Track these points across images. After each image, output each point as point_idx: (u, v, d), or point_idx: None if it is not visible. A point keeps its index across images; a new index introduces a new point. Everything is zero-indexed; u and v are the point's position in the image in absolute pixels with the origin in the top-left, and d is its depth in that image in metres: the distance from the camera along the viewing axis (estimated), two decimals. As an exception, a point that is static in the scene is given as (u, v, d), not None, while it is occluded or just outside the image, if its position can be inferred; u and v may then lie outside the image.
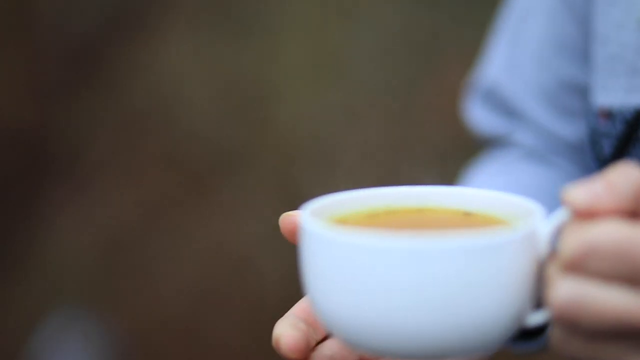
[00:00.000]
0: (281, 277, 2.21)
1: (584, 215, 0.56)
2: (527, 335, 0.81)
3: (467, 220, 0.65)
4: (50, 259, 2.28)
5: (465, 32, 2.15)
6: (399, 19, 2.24)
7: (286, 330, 0.63)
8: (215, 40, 2.28)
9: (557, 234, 0.58)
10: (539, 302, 0.59)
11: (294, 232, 0.65)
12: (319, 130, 2.23)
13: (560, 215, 0.58)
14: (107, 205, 2.27)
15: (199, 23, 2.30)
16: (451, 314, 0.56)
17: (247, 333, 2.21)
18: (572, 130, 0.94)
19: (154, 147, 2.27)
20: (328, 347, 0.64)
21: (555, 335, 0.57)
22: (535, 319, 0.59)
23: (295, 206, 2.29)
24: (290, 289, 2.21)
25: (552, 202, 0.87)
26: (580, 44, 0.91)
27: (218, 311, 2.23)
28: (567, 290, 0.55)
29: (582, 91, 0.91)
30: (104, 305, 2.28)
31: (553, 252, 0.57)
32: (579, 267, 0.55)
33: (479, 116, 1.00)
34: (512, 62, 0.96)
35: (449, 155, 2.17)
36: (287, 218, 0.65)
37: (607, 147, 0.82)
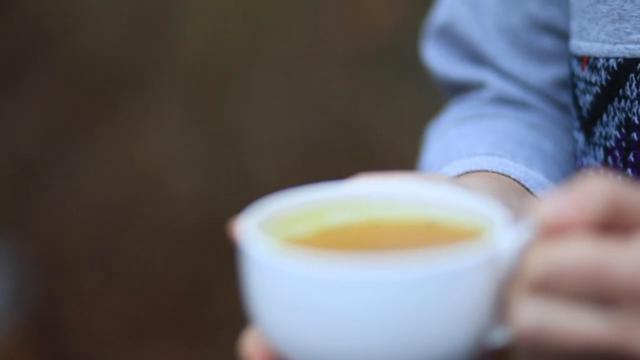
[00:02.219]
0: (192, 194, 2.19)
1: (552, 231, 0.53)
2: None
3: (430, 233, 0.61)
4: (-47, 183, 2.23)
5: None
6: None
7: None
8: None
9: (522, 251, 0.54)
10: (501, 319, 0.56)
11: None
12: (227, 42, 2.20)
13: (526, 230, 0.55)
14: (10, 128, 2.22)
15: None
16: (410, 341, 0.53)
17: (159, 251, 2.20)
18: (544, 74, 0.87)
19: (55, 66, 2.22)
20: None
21: (518, 357, 0.54)
22: (498, 339, 0.56)
23: (204, 122, 2.25)
24: (201, 205, 2.20)
25: (525, 159, 0.81)
26: None
27: (129, 230, 2.21)
28: (531, 313, 0.52)
29: (555, 32, 0.85)
30: (12, 228, 2.25)
31: (517, 270, 0.54)
32: (544, 288, 0.52)
33: (437, 60, 0.90)
34: None
35: (359, 64, 2.16)
36: (236, 231, 0.58)
37: (587, 97, 0.77)
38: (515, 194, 0.76)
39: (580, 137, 0.79)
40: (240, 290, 0.57)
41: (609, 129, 0.76)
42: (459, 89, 0.91)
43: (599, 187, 0.54)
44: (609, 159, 0.76)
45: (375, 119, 2.14)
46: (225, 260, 2.19)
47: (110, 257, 2.22)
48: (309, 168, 2.11)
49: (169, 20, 2.21)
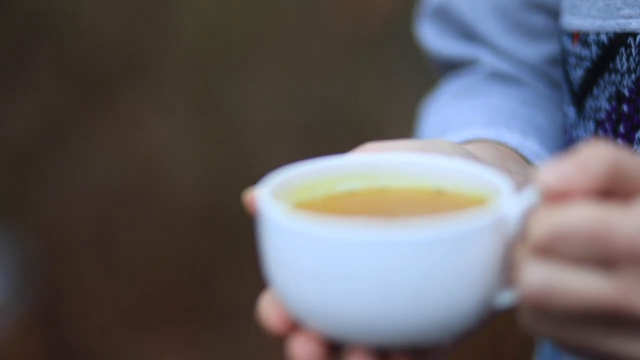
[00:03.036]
0: (194, 181, 2.20)
1: (555, 197, 0.54)
2: None
3: (439, 200, 0.62)
4: (-45, 174, 2.24)
5: None
6: None
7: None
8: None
9: (527, 216, 0.56)
10: (507, 281, 0.58)
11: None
12: (227, 30, 2.20)
13: (530, 195, 0.56)
14: (11, 118, 2.22)
15: None
16: (419, 303, 0.55)
17: (161, 239, 2.20)
18: (536, 51, 0.89)
19: (56, 56, 2.22)
20: None
21: (524, 317, 0.56)
22: (505, 300, 0.58)
23: (205, 110, 2.25)
24: (203, 192, 2.20)
25: (520, 130, 0.83)
26: None
27: (131, 218, 2.21)
28: (537, 276, 0.53)
29: (546, 9, 0.86)
30: (14, 219, 2.25)
31: (523, 234, 0.56)
32: (549, 251, 0.54)
33: (432, 38, 0.93)
34: None
35: (357, 49, 2.17)
36: (251, 198, 0.61)
37: (579, 72, 0.79)
38: (514, 161, 0.78)
39: (571, 111, 0.81)
40: (245, 275, 0.58)
41: (600, 102, 0.77)
42: (452, 66, 0.93)
43: (600, 153, 0.55)
44: (600, 131, 0.77)
45: (373, 103, 2.15)
46: (227, 247, 2.20)
47: (112, 246, 2.22)
48: (308, 153, 2.11)
49: (169, 9, 2.21)
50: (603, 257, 0.53)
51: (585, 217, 0.53)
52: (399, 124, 1.98)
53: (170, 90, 2.21)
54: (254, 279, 2.13)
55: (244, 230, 2.15)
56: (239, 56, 2.20)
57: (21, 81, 2.23)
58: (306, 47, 2.18)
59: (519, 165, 0.78)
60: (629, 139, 0.75)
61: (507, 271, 0.58)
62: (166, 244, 2.20)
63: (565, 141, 0.84)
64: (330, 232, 0.54)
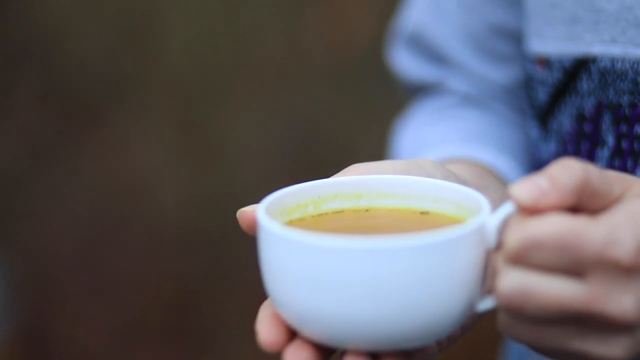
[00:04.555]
0: (178, 204, 2.21)
1: (529, 211, 0.59)
2: None
3: (424, 219, 0.66)
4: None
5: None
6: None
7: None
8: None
9: (504, 228, 0.60)
10: (488, 288, 0.62)
11: (252, 226, 0.65)
12: (210, 55, 2.22)
13: (507, 208, 0.61)
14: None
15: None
16: (406, 308, 0.58)
17: (146, 261, 2.21)
18: (504, 74, 0.93)
19: (41, 79, 2.23)
20: None
21: (502, 320, 0.60)
22: (485, 305, 0.62)
23: (189, 133, 2.26)
24: (187, 215, 2.22)
25: (493, 148, 0.89)
26: None
27: (116, 241, 2.22)
28: (511, 281, 0.58)
29: (512, 36, 0.91)
30: (-1, 242, 2.26)
31: (500, 244, 0.60)
32: (522, 259, 0.58)
33: (405, 63, 0.98)
34: (437, 5, 0.94)
35: (339, 74, 2.19)
36: (244, 214, 0.66)
37: (542, 94, 0.83)
38: (491, 178, 0.82)
39: (535, 132, 0.85)
40: (229, 297, 0.62)
41: (563, 122, 0.81)
42: (422, 89, 0.98)
43: (570, 170, 0.59)
44: (563, 151, 0.82)
45: (355, 126, 2.17)
46: (210, 269, 2.21)
47: (97, 268, 2.23)
48: (291, 176, 2.14)
49: (154, 34, 2.22)
50: (574, 264, 0.57)
51: (556, 227, 0.57)
52: (380, 146, 2.00)
53: (155, 114, 2.23)
54: (237, 300, 2.15)
55: (227, 253, 2.17)
56: (223, 81, 2.22)
57: (6, 105, 2.23)
58: (289, 71, 2.20)
59: (495, 181, 0.83)
60: (590, 157, 0.79)
61: (488, 279, 0.62)
62: (150, 267, 2.21)
63: (530, 161, 0.89)
64: (322, 240, 0.58)
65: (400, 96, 1.11)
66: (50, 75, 2.23)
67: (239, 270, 2.16)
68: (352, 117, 2.19)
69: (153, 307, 2.20)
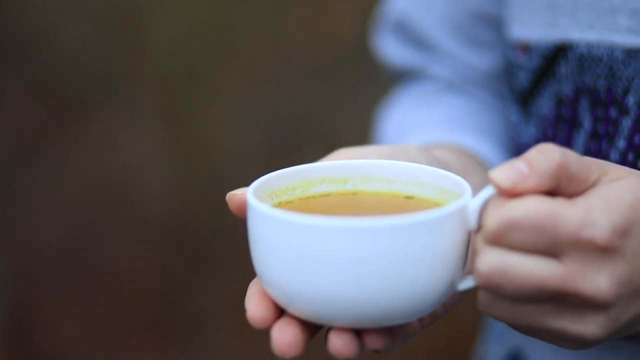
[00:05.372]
0: (164, 196, 2.21)
1: (508, 194, 0.61)
2: None
3: (409, 203, 0.68)
4: None
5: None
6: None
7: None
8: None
9: (484, 210, 0.62)
10: (469, 269, 0.65)
11: (242, 208, 0.67)
12: (196, 49, 2.23)
13: (487, 192, 0.63)
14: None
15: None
16: (389, 286, 0.60)
17: (132, 254, 2.21)
18: (485, 60, 0.96)
19: (26, 73, 2.23)
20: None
21: (482, 299, 0.62)
22: (465, 285, 0.64)
23: (174, 126, 2.25)
24: (172, 208, 2.22)
25: (476, 133, 0.91)
26: None
27: (100, 234, 2.22)
28: (490, 261, 0.60)
29: (493, 23, 0.94)
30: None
31: (480, 226, 0.62)
32: (501, 239, 0.60)
33: (390, 49, 1.01)
34: None
35: (324, 68, 2.20)
36: (234, 197, 0.68)
37: (523, 79, 0.85)
38: (473, 161, 0.84)
39: (516, 116, 0.88)
40: (213, 288, 0.63)
41: (542, 107, 0.83)
42: (407, 74, 1.01)
43: (549, 154, 0.61)
44: (542, 134, 0.84)
45: (338, 119, 2.18)
46: (195, 262, 2.22)
47: (82, 261, 2.23)
48: (277, 168, 2.13)
49: (140, 30, 2.23)
50: (550, 245, 0.60)
51: (533, 208, 0.60)
52: (365, 139, 2.01)
53: (140, 109, 2.23)
54: (221, 292, 2.15)
55: (212, 246, 2.18)
56: (208, 75, 2.23)
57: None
58: (273, 65, 2.21)
59: (477, 166, 0.85)
60: (569, 140, 0.82)
61: (469, 260, 0.64)
62: (135, 259, 2.21)
63: (511, 145, 0.91)
64: (308, 219, 0.60)
65: (385, 86, 1.13)
66: (36, 69, 2.23)
67: (223, 262, 2.17)
68: (337, 111, 2.20)
69: (137, 299, 2.21)
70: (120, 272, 2.21)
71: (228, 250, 2.14)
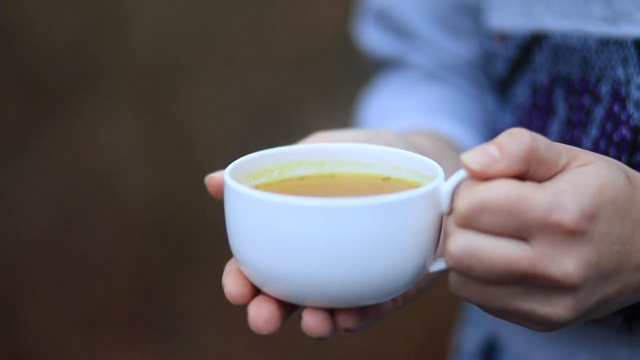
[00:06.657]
0: (145, 190, 2.21)
1: (479, 177, 0.61)
2: None
3: (385, 185, 0.69)
4: None
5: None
6: None
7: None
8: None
9: (455, 191, 0.63)
10: (441, 252, 0.65)
11: (221, 191, 0.67)
12: (176, 40, 2.23)
13: (459, 175, 0.63)
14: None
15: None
16: (361, 266, 0.61)
17: (111, 247, 2.21)
18: (465, 49, 0.97)
19: (7, 66, 2.23)
20: None
21: (452, 281, 0.63)
22: (437, 266, 0.65)
23: (155, 120, 2.25)
24: (153, 201, 2.22)
25: (453, 120, 0.92)
26: None
27: (81, 228, 2.22)
28: (460, 243, 0.60)
29: (473, 11, 0.95)
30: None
31: (452, 208, 0.63)
32: (471, 222, 0.60)
33: (372, 37, 1.02)
34: None
35: (304, 61, 2.20)
36: (213, 179, 0.68)
37: (500, 68, 0.86)
38: (449, 147, 0.85)
39: (493, 104, 0.88)
40: (195, 283, 0.63)
41: (519, 94, 0.84)
42: (388, 62, 1.02)
43: (519, 138, 0.62)
44: (518, 122, 0.85)
45: (318, 110, 2.19)
46: (176, 256, 2.22)
47: (63, 255, 2.23)
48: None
49: (121, 21, 2.23)
50: (520, 227, 0.60)
51: (503, 192, 0.60)
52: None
53: (121, 101, 2.23)
54: (202, 287, 2.15)
55: (193, 239, 2.18)
56: (189, 66, 2.23)
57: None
58: (254, 56, 2.21)
59: (452, 151, 0.86)
60: (544, 128, 0.83)
61: (442, 241, 0.64)
62: (116, 253, 2.21)
63: (489, 132, 0.92)
64: (284, 198, 0.60)
65: (366, 77, 1.14)
66: (16, 61, 2.22)
67: (205, 257, 2.17)
68: (317, 102, 2.20)
69: (119, 294, 2.21)
70: (101, 266, 2.21)
71: (210, 243, 2.14)
